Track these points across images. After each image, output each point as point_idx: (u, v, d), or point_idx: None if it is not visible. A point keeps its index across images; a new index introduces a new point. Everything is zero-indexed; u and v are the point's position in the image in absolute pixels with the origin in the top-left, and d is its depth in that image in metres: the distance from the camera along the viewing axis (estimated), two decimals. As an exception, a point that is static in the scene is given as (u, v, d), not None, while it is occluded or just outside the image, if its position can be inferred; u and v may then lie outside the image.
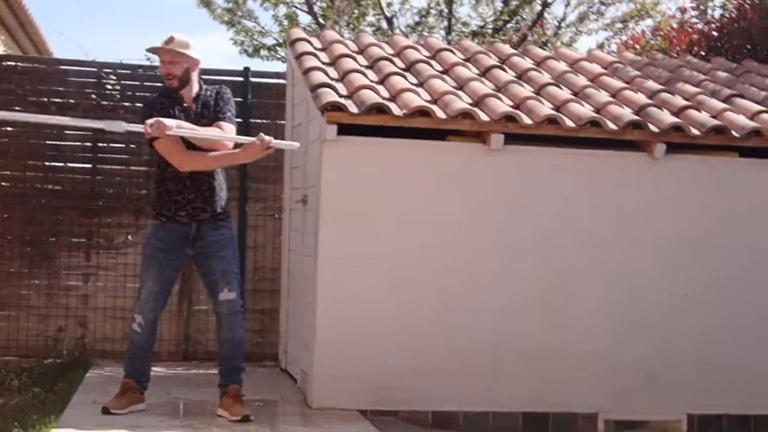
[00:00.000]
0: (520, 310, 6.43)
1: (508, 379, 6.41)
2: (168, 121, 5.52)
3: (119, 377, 5.97)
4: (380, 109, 6.24)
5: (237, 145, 5.78)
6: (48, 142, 8.24)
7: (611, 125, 6.47)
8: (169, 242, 5.78)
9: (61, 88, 8.28)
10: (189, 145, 5.70)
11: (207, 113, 5.79)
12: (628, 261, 6.58)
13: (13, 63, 8.52)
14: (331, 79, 6.66)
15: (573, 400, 6.48)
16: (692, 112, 6.80)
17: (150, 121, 5.49)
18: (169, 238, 5.78)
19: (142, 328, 5.80)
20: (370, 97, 6.30)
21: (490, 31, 13.45)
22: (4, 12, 11.09)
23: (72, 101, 8.18)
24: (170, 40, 5.77)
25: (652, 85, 7.37)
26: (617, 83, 7.30)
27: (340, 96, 6.35)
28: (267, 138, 5.66)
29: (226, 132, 5.74)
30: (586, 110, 6.58)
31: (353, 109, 6.24)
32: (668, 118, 6.62)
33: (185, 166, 5.70)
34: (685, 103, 6.97)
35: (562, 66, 7.62)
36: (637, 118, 6.55)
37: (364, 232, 6.30)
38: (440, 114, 6.33)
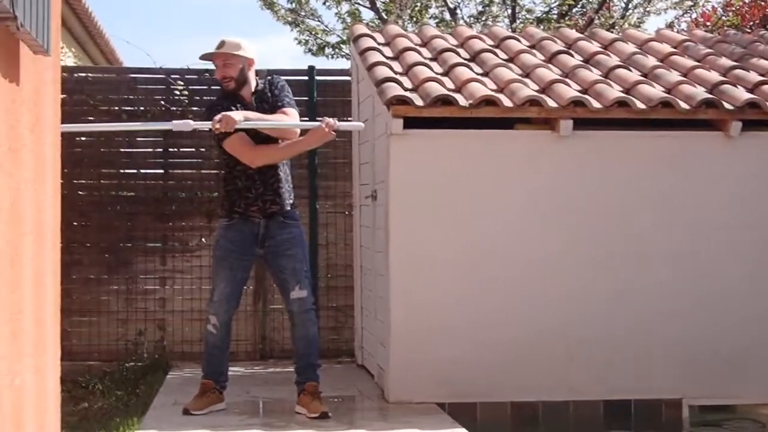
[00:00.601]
0: (594, 296, 6.35)
1: (585, 366, 6.33)
2: (235, 115, 5.56)
3: (198, 378, 6.02)
4: (446, 101, 6.20)
5: (302, 132, 5.83)
6: (121, 149, 8.36)
7: (683, 105, 6.35)
8: (239, 243, 5.81)
9: (131, 96, 8.39)
10: (256, 139, 5.75)
11: (266, 106, 5.81)
12: (705, 243, 6.45)
13: (84, 74, 8.64)
14: (396, 72, 6.64)
15: (655, 386, 6.37)
16: (768, 88, 6.65)
17: (217, 117, 5.53)
18: (239, 239, 5.81)
19: (217, 329, 5.84)
20: (436, 89, 6.26)
21: (555, 16, 13.33)
22: (75, 25, 11.27)
23: (142, 108, 8.29)
24: (221, 44, 5.81)
25: (725, 62, 7.21)
26: (688, 62, 7.16)
27: (405, 89, 6.33)
28: (331, 121, 5.71)
29: (291, 117, 5.78)
30: (656, 91, 6.47)
31: (419, 102, 6.21)
32: (743, 94, 6.47)
33: (257, 162, 5.75)
34: (760, 78, 6.79)
35: (630, 48, 7.50)
36: (710, 96, 6.42)
37: (434, 224, 6.28)
38: (507, 102, 6.27)
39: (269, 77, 5.96)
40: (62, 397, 4.06)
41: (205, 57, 5.92)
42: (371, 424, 5.68)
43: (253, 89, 5.87)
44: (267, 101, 5.83)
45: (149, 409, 6.02)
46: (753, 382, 6.43)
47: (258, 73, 5.99)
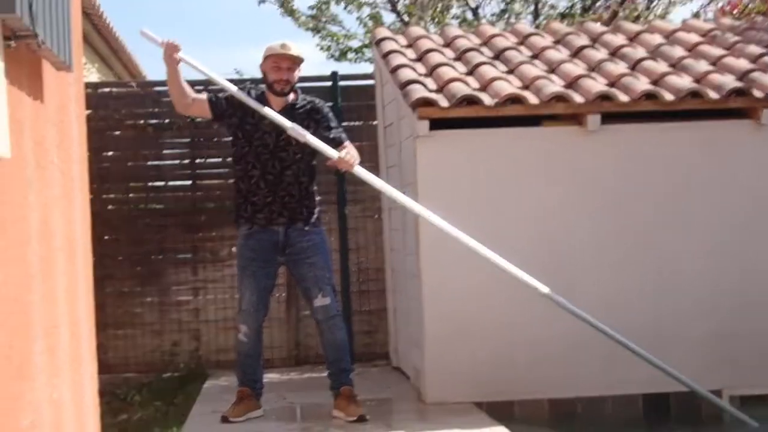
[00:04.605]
0: (631, 293, 6.31)
1: (624, 363, 6.26)
2: (356, 160, 5.60)
3: (235, 386, 6.02)
4: (471, 101, 6.18)
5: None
6: (148, 163, 8.38)
7: (712, 94, 6.30)
8: (260, 251, 5.78)
9: (155, 109, 8.41)
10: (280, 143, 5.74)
11: (312, 125, 5.71)
12: (739, 236, 6.39)
13: (108, 89, 8.68)
14: (420, 74, 6.62)
15: (695, 378, 6.31)
16: (798, 74, 6.56)
17: (342, 153, 5.56)
18: (259, 247, 5.78)
19: (248, 337, 5.83)
20: (460, 89, 6.24)
21: (578, 11, 13.25)
22: (97, 41, 11.32)
23: (167, 121, 8.31)
24: (287, 47, 5.70)
25: (753, 49, 7.11)
26: (716, 51, 7.09)
27: (430, 91, 6.31)
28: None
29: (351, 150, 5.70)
30: (685, 82, 6.42)
31: (444, 102, 6.19)
32: (772, 81, 6.41)
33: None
34: (789, 64, 6.73)
35: (656, 39, 7.43)
36: (739, 84, 6.37)
37: (464, 225, 6.22)
38: (533, 100, 6.24)
39: (315, 100, 5.87)
40: (101, 410, 4.07)
41: (277, 54, 5.70)
42: (410, 426, 5.65)
43: (288, 102, 5.77)
44: (309, 121, 5.71)
45: (188, 418, 6.03)
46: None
47: None
